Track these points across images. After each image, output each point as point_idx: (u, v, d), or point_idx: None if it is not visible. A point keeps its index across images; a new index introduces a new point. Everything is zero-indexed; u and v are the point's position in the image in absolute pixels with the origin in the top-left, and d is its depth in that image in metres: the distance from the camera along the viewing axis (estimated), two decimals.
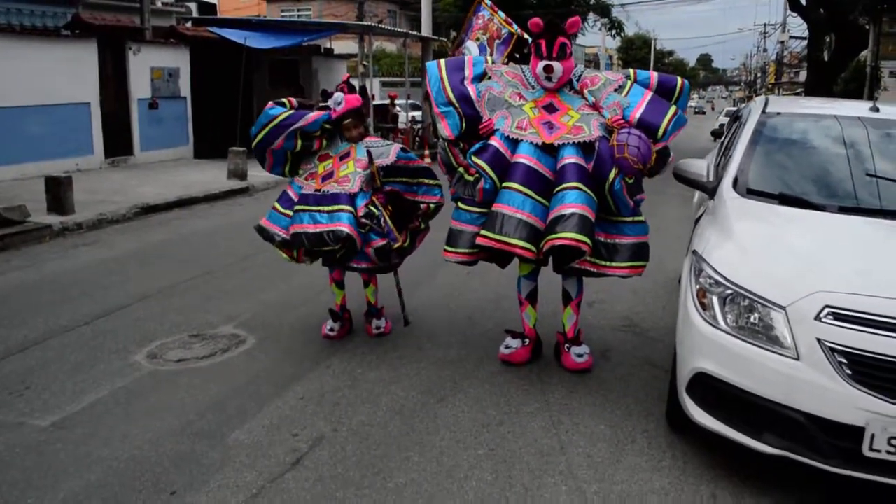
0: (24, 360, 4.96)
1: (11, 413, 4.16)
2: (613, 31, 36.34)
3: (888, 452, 2.92)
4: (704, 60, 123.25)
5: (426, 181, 5.23)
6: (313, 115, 4.94)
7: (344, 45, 27.44)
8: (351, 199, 4.88)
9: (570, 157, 4.28)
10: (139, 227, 9.99)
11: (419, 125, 22.53)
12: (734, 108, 36.53)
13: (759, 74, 67.78)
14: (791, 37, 44.85)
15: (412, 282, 6.39)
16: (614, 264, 4.47)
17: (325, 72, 22.84)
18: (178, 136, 17.03)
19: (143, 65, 15.86)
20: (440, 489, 3.36)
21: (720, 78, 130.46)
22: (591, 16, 34.14)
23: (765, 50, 62.92)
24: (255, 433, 3.88)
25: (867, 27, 22.17)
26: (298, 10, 43.82)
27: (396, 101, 21.53)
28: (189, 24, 19.61)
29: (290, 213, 5.03)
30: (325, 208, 4.83)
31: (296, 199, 5.03)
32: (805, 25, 22.84)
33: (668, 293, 6.49)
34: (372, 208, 4.91)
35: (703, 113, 72.13)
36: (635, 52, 75.68)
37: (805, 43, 29.59)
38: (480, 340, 5.28)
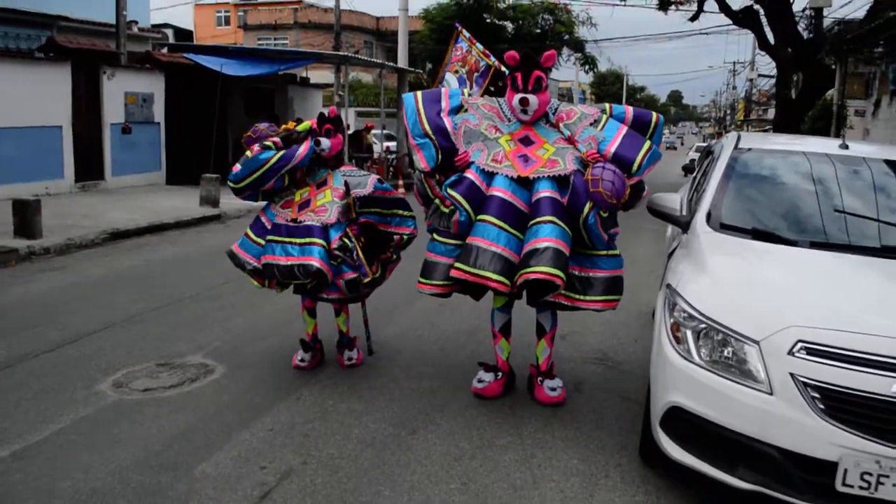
0: None
1: None
2: (587, 67, 36.92)
3: (861, 488, 2.91)
4: (675, 97, 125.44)
5: (400, 213, 5.21)
6: (302, 151, 4.92)
7: (320, 75, 27.57)
8: (324, 231, 4.84)
9: (544, 191, 4.28)
10: (108, 252, 9.85)
11: (393, 156, 22.58)
12: (704, 144, 37.11)
13: (728, 111, 69.03)
14: (760, 75, 45.81)
15: (385, 312, 6.35)
16: (588, 298, 4.47)
17: (300, 101, 22.86)
18: (150, 162, 16.91)
19: (117, 89, 15.77)
20: None
21: (690, 114, 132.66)
22: (566, 51, 34.68)
23: (734, 87, 64.20)
24: (223, 465, 3.79)
25: (833, 67, 22.69)
26: (275, 39, 44.03)
27: (373, 132, 21.56)
28: (165, 50, 19.57)
29: (262, 241, 4.99)
30: (297, 240, 4.79)
31: (269, 227, 4.98)
32: (773, 64, 23.33)
33: (640, 326, 6.50)
34: (346, 240, 4.88)
35: (675, 148, 73.10)
36: (608, 87, 76.88)
37: (773, 81, 30.25)
38: (453, 372, 5.23)
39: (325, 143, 5.02)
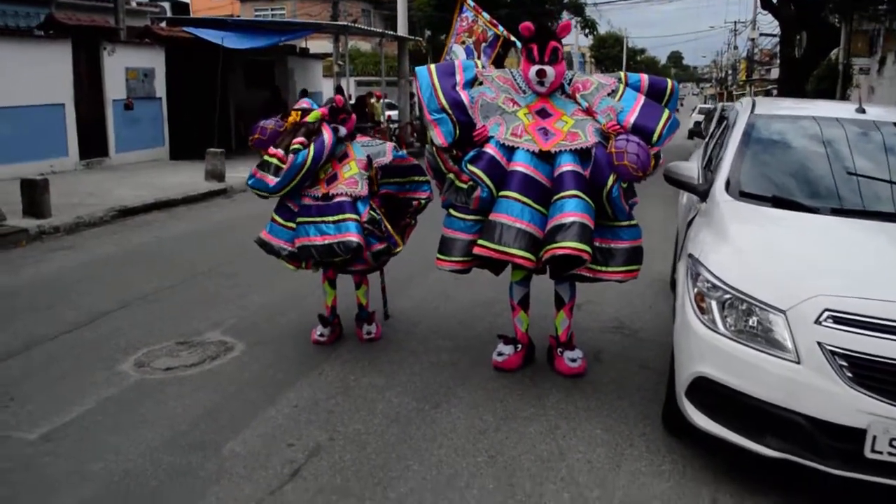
0: (7, 370, 4.86)
1: None
2: (587, 30, 36.54)
3: (890, 454, 2.94)
4: (675, 58, 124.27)
5: (416, 178, 5.24)
6: (328, 141, 4.91)
7: (319, 45, 27.30)
8: (354, 205, 4.84)
9: (567, 165, 4.26)
10: (117, 230, 9.86)
11: (395, 124, 22.46)
12: (708, 106, 36.83)
13: (730, 72, 68.45)
14: (761, 34, 45.36)
15: (401, 285, 6.37)
16: (610, 269, 4.47)
17: (300, 71, 22.73)
18: (153, 137, 16.83)
19: (118, 65, 15.65)
20: (442, 498, 3.33)
21: (691, 75, 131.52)
22: (565, 14, 34.32)
23: (735, 47, 63.60)
24: (251, 443, 3.82)
25: (838, 25, 22.46)
26: (272, 10, 43.54)
27: (379, 101, 21.39)
28: (164, 24, 19.38)
29: (291, 224, 4.98)
30: (330, 218, 4.79)
31: (296, 210, 4.97)
32: (776, 23, 23.08)
33: (654, 294, 6.51)
34: (373, 213, 4.89)
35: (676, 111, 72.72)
36: (607, 51, 76.07)
37: (776, 40, 29.96)
38: (472, 344, 5.25)
39: (343, 130, 5.05)
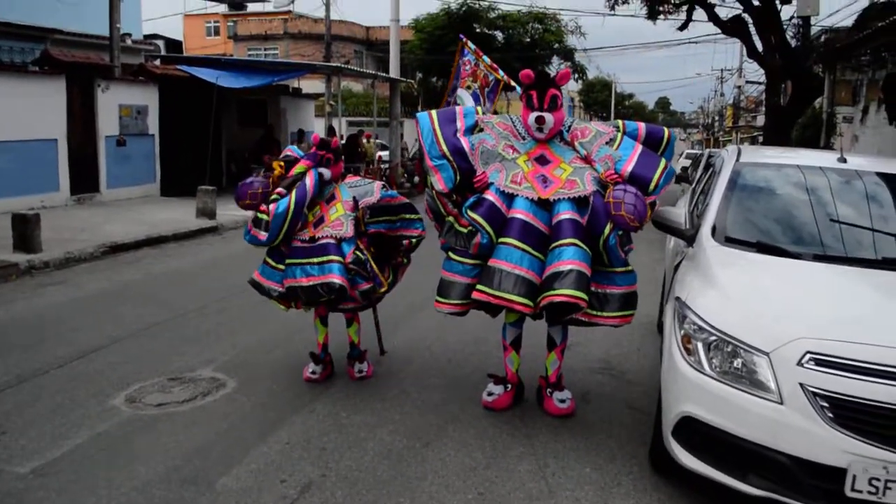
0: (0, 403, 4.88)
1: None
2: (576, 75, 37.10)
3: (869, 493, 3.02)
4: (663, 103, 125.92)
5: (406, 216, 5.31)
6: (310, 184, 4.99)
7: (311, 85, 27.62)
8: (339, 247, 4.93)
9: (565, 213, 4.36)
10: (108, 266, 9.88)
11: (386, 165, 22.68)
12: (695, 151, 37.34)
13: (716, 118, 69.47)
14: (747, 81, 46.14)
15: (393, 324, 6.42)
16: (605, 314, 4.55)
17: (293, 111, 22.96)
18: (145, 174, 16.91)
19: (111, 102, 15.78)
20: None
21: (678, 120, 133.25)
22: (555, 59, 34.90)
23: (722, 94, 64.57)
24: (243, 479, 3.86)
25: (822, 74, 22.95)
26: (265, 49, 44.09)
27: (370, 140, 21.62)
28: (158, 62, 19.60)
29: (281, 266, 5.06)
30: (315, 260, 4.88)
31: (286, 252, 5.06)
32: (762, 71, 23.56)
33: (641, 336, 6.60)
34: (358, 254, 4.97)
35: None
36: (596, 95, 77.06)
37: (762, 88, 30.54)
38: (463, 383, 5.32)
39: (327, 173, 5.14)
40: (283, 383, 5.31)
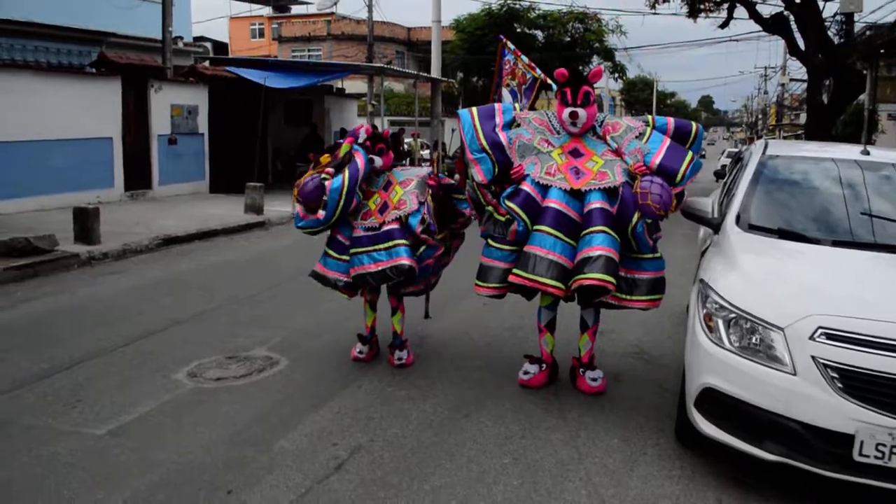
0: (72, 376, 5.31)
1: (67, 422, 4.50)
2: (616, 75, 37.11)
3: (875, 457, 3.27)
4: (706, 102, 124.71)
5: (456, 196, 5.58)
6: (360, 162, 5.24)
7: (354, 85, 28.14)
8: (403, 230, 5.18)
9: (596, 202, 4.68)
10: (162, 257, 10.37)
11: (427, 162, 23.03)
12: (735, 150, 37.10)
13: (760, 116, 68.66)
14: (791, 79, 45.65)
15: (432, 313, 6.70)
16: (634, 298, 4.86)
17: (336, 110, 23.47)
18: (195, 171, 17.51)
19: (163, 102, 16.39)
20: (472, 492, 3.71)
21: (721, 119, 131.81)
22: (596, 59, 34.95)
23: (765, 92, 63.86)
24: (298, 442, 4.23)
25: (864, 72, 22.75)
26: (309, 50, 44.82)
27: (416, 139, 22.00)
28: (207, 64, 20.21)
29: (345, 257, 5.34)
30: (381, 246, 5.16)
31: (347, 244, 5.33)
32: (805, 69, 23.44)
33: (673, 325, 6.84)
34: (426, 217, 5.22)
35: (703, 157, 72.08)
36: (637, 94, 76.64)
37: (805, 85, 30.28)
38: (500, 365, 5.62)
39: (378, 161, 5.41)
40: (332, 362, 5.67)
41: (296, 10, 49.74)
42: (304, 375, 5.38)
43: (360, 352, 5.68)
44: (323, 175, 5.26)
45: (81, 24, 17.61)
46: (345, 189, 5.13)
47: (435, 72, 23.69)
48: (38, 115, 13.19)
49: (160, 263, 9.85)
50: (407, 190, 5.34)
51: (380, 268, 5.13)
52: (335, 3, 36.51)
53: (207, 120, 17.62)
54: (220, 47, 33.07)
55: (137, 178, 15.83)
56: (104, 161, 14.94)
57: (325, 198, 5.19)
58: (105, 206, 13.69)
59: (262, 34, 51.50)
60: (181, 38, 20.54)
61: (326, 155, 5.53)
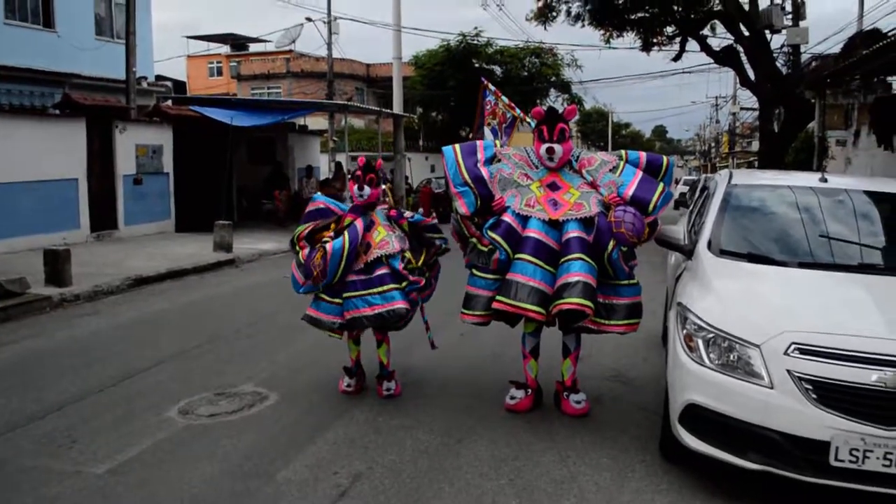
0: (64, 417, 5.35)
1: (66, 463, 4.56)
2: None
3: (850, 462, 3.52)
4: (659, 131, 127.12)
5: (433, 235, 5.77)
6: (360, 225, 5.47)
7: (315, 122, 28.35)
8: (393, 274, 5.40)
9: (573, 231, 4.96)
10: (134, 297, 10.38)
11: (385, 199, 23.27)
12: (692, 178, 38.01)
13: (713, 144, 70.32)
14: (742, 108, 46.99)
15: (410, 345, 6.79)
16: (612, 322, 5.13)
17: (300, 147, 23.64)
18: (160, 211, 17.50)
19: (128, 142, 16.43)
20: None
21: (675, 148, 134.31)
22: (553, 92, 35.72)
23: (717, 121, 65.53)
24: (300, 472, 4.35)
25: (813, 101, 23.60)
26: (269, 88, 44.94)
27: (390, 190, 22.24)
28: (170, 103, 20.27)
29: (337, 300, 5.49)
30: (375, 290, 5.35)
31: (341, 287, 5.47)
32: (755, 98, 24.25)
33: (647, 347, 7.09)
34: (408, 256, 5.48)
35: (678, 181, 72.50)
36: (593, 125, 78.10)
37: (756, 113, 31.26)
38: (486, 391, 5.80)
39: (367, 190, 5.58)
40: (321, 395, 5.79)
41: (254, 47, 50.01)
42: (295, 409, 5.50)
43: (349, 385, 5.81)
44: (324, 239, 5.50)
45: (45, 66, 17.61)
46: (345, 252, 5.36)
47: (397, 107, 24.08)
48: (2, 157, 13.14)
49: (134, 304, 9.87)
50: (388, 233, 5.55)
51: (375, 311, 5.32)
52: (293, 41, 36.84)
53: (172, 159, 17.66)
54: (179, 86, 33.04)
55: (103, 218, 15.79)
56: (70, 202, 14.90)
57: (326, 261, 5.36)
58: (72, 248, 13.64)
59: (220, 72, 51.51)
60: (145, 77, 20.57)
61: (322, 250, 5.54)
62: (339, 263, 5.37)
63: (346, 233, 5.45)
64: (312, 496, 4.04)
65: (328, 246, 5.39)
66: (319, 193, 5.94)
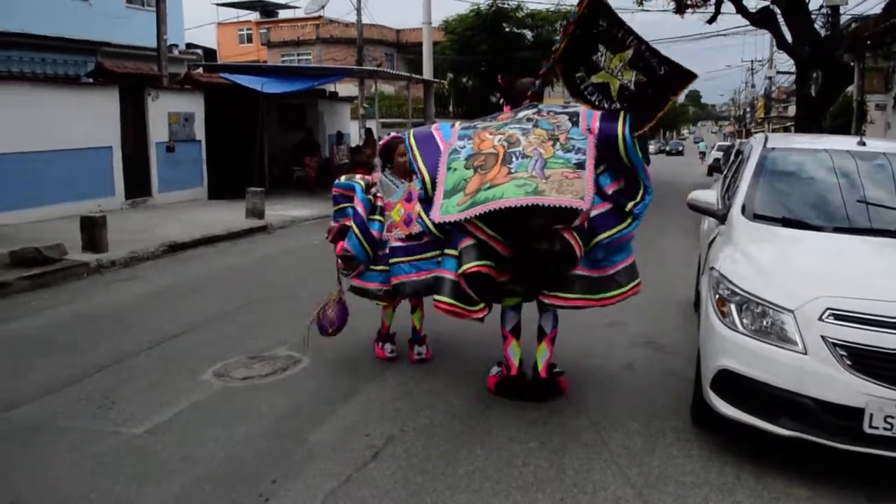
0: (102, 380, 5.47)
1: (105, 423, 4.67)
2: None
3: (885, 429, 3.49)
4: (693, 96, 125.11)
5: None
6: (360, 208, 5.53)
7: (346, 88, 28.30)
8: (437, 242, 5.22)
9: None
10: (169, 263, 10.52)
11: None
12: (727, 143, 37.43)
13: (748, 109, 69.06)
14: (778, 72, 45.96)
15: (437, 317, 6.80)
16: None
17: (330, 114, 23.63)
18: (193, 178, 17.64)
19: (161, 110, 16.53)
20: (504, 474, 3.92)
21: (709, 113, 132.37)
22: None
23: (752, 86, 64.24)
24: (333, 433, 4.42)
25: (852, 63, 23.05)
26: (298, 55, 44.89)
27: None
28: (201, 71, 20.34)
29: (380, 267, 5.53)
30: (423, 256, 5.32)
31: (384, 255, 5.50)
32: (792, 61, 23.72)
33: (679, 314, 7.06)
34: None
35: (681, 153, 67.90)
36: None
37: (792, 77, 30.60)
38: None
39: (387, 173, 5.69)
40: (353, 359, 5.86)
41: (283, 14, 49.93)
42: (327, 372, 5.57)
43: (392, 351, 5.86)
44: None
45: (76, 34, 17.72)
46: (359, 238, 5.47)
47: (427, 73, 23.93)
48: (37, 125, 13.28)
49: (168, 270, 10.01)
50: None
51: (421, 277, 5.30)
52: (323, 7, 36.59)
53: (204, 126, 17.76)
54: (210, 54, 33.15)
55: (137, 185, 15.95)
56: (104, 170, 15.06)
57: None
58: (107, 215, 13.86)
59: (250, 39, 51.50)
60: (176, 45, 20.66)
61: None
62: (362, 246, 5.47)
63: (352, 224, 5.51)
64: (345, 456, 4.11)
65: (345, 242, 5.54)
66: (339, 180, 5.92)
